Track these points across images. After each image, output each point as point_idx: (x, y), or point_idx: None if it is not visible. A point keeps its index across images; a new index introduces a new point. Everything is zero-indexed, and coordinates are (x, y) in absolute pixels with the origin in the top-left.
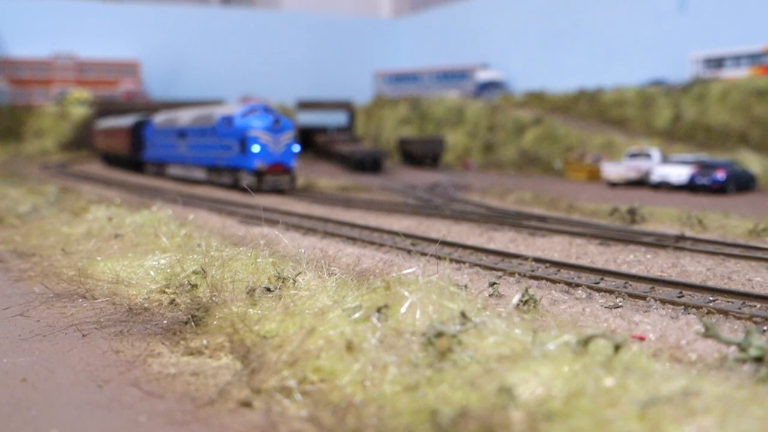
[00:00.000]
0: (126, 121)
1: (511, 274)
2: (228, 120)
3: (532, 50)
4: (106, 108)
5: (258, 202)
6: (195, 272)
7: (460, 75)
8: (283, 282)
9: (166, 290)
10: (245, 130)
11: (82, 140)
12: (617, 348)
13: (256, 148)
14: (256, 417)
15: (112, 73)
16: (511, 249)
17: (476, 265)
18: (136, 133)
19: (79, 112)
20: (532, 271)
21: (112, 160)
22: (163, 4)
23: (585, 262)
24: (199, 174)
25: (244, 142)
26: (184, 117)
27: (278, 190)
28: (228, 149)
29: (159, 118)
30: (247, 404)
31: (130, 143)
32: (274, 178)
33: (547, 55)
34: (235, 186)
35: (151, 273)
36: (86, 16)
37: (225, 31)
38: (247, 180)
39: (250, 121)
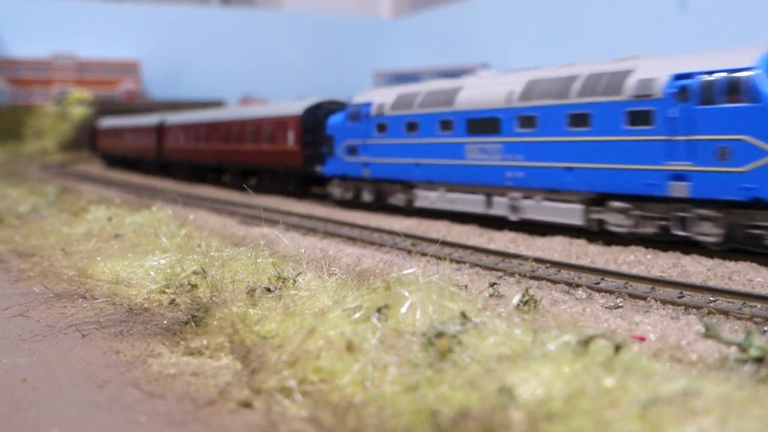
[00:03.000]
0: (287, 108)
1: (512, 274)
2: (748, 84)
3: (532, 50)
4: (106, 108)
5: (258, 202)
6: (195, 272)
7: (460, 75)
8: (283, 282)
9: (166, 290)
10: None
11: (80, 142)
12: (617, 348)
13: None
14: (256, 417)
15: (112, 73)
16: (512, 249)
17: (476, 265)
18: (309, 129)
19: (79, 112)
20: (533, 271)
21: (208, 176)
22: (163, 4)
23: (585, 262)
24: (560, 212)
25: None
26: (482, 88)
27: None
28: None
29: (378, 97)
30: (247, 404)
31: (300, 148)
32: None
33: (547, 55)
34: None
35: (151, 273)
36: (86, 16)
37: (225, 31)
38: None
39: None
